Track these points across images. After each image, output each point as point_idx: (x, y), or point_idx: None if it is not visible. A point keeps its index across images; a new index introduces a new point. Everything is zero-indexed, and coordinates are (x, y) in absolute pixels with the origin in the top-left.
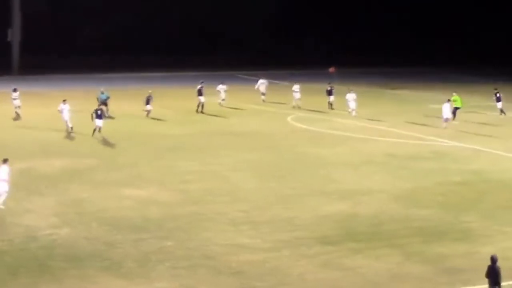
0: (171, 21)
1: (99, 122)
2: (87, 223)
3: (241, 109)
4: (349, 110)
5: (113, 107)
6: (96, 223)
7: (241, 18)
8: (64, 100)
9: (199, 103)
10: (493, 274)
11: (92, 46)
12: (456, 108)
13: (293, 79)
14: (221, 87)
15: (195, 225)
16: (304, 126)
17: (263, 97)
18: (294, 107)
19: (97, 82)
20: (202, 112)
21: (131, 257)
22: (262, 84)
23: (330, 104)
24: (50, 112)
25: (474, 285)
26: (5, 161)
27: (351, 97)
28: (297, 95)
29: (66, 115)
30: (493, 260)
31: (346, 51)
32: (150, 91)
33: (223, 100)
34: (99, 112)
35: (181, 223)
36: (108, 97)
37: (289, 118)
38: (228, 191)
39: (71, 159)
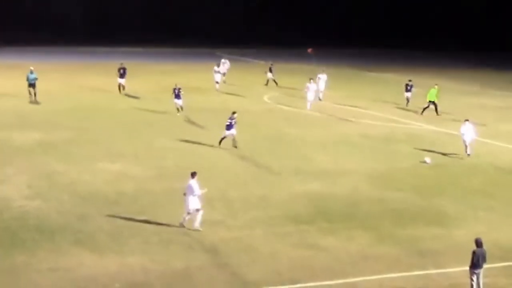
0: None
1: (178, 101)
2: (60, 196)
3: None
4: (319, 90)
5: (94, 81)
6: (69, 196)
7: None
8: None
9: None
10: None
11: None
12: (430, 102)
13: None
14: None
15: (169, 201)
16: (280, 106)
17: (223, 77)
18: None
19: (74, 56)
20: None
21: (104, 231)
22: (224, 64)
23: (273, 80)
24: (21, 84)
25: (446, 267)
26: (193, 174)
27: (322, 78)
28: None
29: None
30: (478, 243)
31: (324, 32)
32: (121, 62)
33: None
34: (176, 91)
35: (155, 198)
36: (36, 78)
37: (265, 97)
38: (203, 168)
39: (47, 132)
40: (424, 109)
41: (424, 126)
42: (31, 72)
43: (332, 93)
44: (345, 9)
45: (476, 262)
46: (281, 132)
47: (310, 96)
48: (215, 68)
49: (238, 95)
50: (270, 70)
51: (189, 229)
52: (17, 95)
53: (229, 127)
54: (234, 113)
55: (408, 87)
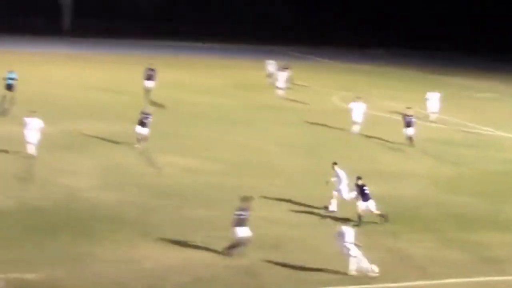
0: None
1: (141, 130)
2: (128, 188)
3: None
4: (429, 112)
5: (161, 74)
6: (137, 188)
7: None
8: None
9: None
10: None
11: (143, 13)
12: None
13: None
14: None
15: (233, 196)
16: (347, 106)
17: (269, 79)
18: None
19: (144, 48)
20: None
21: (170, 224)
22: (270, 64)
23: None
24: (98, 75)
25: (510, 275)
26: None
27: (433, 97)
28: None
29: None
30: None
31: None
32: (150, 62)
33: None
34: (143, 117)
35: (220, 193)
36: (15, 79)
37: (333, 97)
38: (268, 165)
39: (116, 123)
40: None
41: (494, 132)
42: (11, 72)
43: (397, 94)
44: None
45: None
46: (347, 132)
47: (356, 116)
48: (279, 73)
49: (305, 94)
50: (282, 69)
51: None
52: (86, 86)
53: (364, 196)
54: (359, 178)
55: (407, 120)
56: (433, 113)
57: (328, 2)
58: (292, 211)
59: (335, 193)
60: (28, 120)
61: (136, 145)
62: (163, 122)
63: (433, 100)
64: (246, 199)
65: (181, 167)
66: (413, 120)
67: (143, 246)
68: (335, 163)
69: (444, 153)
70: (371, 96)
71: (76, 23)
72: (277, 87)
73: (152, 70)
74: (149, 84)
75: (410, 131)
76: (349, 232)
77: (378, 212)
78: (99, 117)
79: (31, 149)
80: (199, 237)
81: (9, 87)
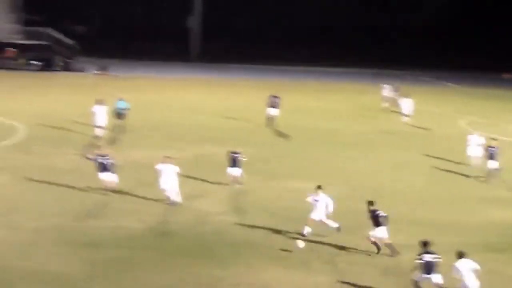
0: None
1: (233, 171)
2: (257, 213)
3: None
4: None
5: (288, 100)
6: (266, 214)
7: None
8: (100, 101)
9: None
10: None
11: (268, 37)
12: None
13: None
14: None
15: (357, 222)
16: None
17: (384, 104)
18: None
19: (269, 73)
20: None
21: (297, 249)
22: (385, 89)
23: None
24: (224, 100)
25: None
26: (461, 255)
27: None
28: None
29: (100, 119)
30: None
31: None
32: (275, 89)
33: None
34: (233, 156)
35: (344, 219)
36: (127, 108)
37: (462, 122)
38: (391, 190)
39: (243, 148)
40: None
41: None
42: (121, 99)
43: None
44: None
45: None
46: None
47: (473, 151)
48: (402, 99)
49: (428, 119)
50: (406, 95)
51: None
52: (212, 111)
53: (377, 222)
54: (370, 203)
55: (490, 151)
56: None
57: (452, 24)
58: (419, 237)
59: (311, 216)
60: (161, 167)
61: (237, 186)
62: (286, 148)
63: None
64: (425, 243)
65: (308, 192)
66: (497, 152)
67: (272, 270)
68: (319, 187)
69: None
70: (501, 121)
71: (204, 48)
72: (402, 114)
73: (276, 97)
74: (273, 112)
75: (492, 164)
76: (471, 264)
77: (389, 242)
78: (223, 142)
79: (171, 195)
80: (325, 262)
81: (119, 116)
